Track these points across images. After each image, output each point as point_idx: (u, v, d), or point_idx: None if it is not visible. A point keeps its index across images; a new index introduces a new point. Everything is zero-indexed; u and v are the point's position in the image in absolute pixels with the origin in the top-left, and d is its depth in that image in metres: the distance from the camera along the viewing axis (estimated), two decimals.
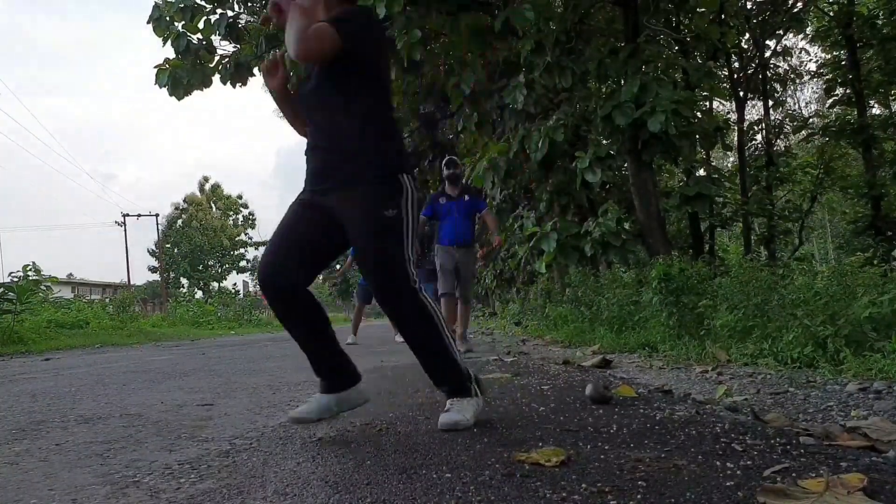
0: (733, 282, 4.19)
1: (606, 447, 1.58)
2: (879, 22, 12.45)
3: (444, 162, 5.88)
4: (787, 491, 1.14)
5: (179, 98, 8.96)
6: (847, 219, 16.92)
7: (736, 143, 13.36)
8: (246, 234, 49.64)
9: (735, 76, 13.40)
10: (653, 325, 4.83)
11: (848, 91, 13.47)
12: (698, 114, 7.82)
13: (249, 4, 10.08)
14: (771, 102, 14.32)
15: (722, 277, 4.62)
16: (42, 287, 10.52)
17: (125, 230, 34.58)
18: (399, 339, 7.80)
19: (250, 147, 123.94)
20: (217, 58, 9.31)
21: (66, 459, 1.69)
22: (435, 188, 11.45)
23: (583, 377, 3.16)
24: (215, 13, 9.09)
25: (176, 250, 46.53)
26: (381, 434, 1.86)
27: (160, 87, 8.84)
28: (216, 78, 9.25)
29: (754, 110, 18.02)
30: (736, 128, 13.33)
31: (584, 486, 1.25)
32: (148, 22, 8.85)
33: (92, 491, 1.37)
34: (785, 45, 14.52)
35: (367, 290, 7.73)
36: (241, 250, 49.24)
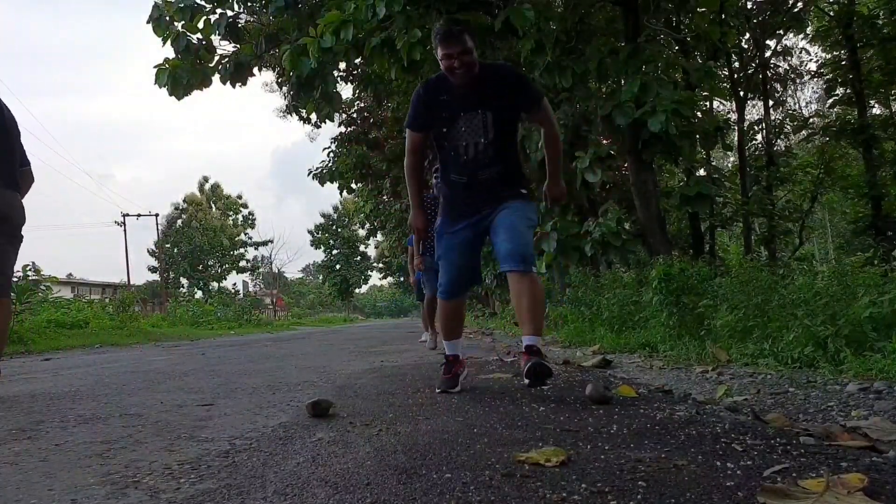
0: (733, 282, 4.19)
1: (606, 447, 1.57)
2: (880, 22, 12.45)
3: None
4: (787, 491, 1.14)
5: (179, 98, 8.96)
6: (847, 219, 16.93)
7: (736, 143, 13.35)
8: (246, 234, 49.65)
9: (735, 76, 13.40)
10: (653, 325, 4.83)
11: (848, 91, 13.48)
12: (698, 114, 7.81)
13: (249, 4, 10.08)
14: (771, 102, 14.33)
15: (722, 277, 4.63)
16: (42, 287, 10.52)
17: (125, 230, 34.57)
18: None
19: (247, 148, 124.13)
20: (217, 57, 9.31)
21: (66, 459, 1.69)
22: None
23: (583, 377, 3.16)
24: (215, 13, 9.09)
25: (176, 250, 46.53)
26: (381, 434, 1.86)
27: (160, 87, 8.83)
28: (216, 78, 9.25)
29: (754, 110, 18.01)
30: (736, 128, 13.32)
31: (584, 486, 1.25)
32: (148, 22, 8.84)
33: (92, 491, 1.37)
34: (785, 45, 14.54)
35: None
36: (241, 250, 49.23)
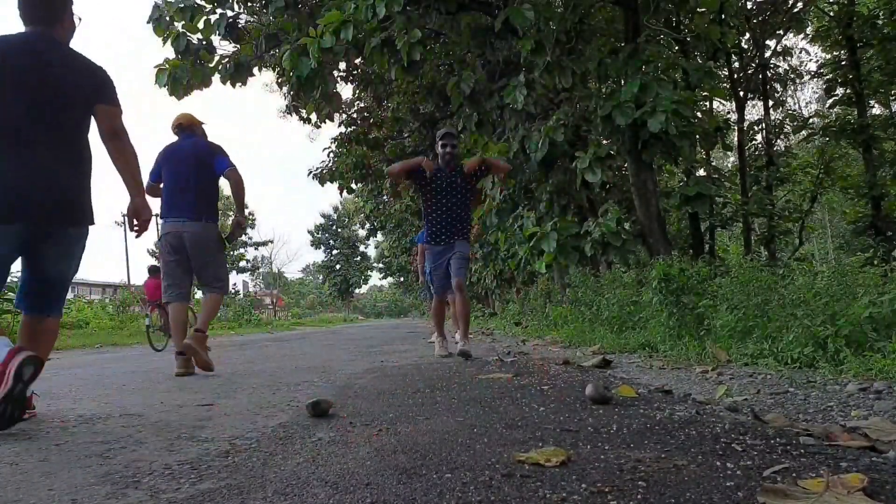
0: (733, 282, 4.19)
1: (606, 447, 1.58)
2: (879, 22, 12.46)
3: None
4: (787, 491, 1.14)
5: (179, 98, 8.96)
6: (847, 219, 16.94)
7: (736, 143, 13.37)
8: (246, 235, 49.67)
9: (735, 76, 13.41)
10: (653, 325, 4.83)
11: (848, 91, 13.49)
12: (698, 114, 7.82)
13: (249, 4, 10.09)
14: (771, 102, 14.34)
15: (722, 277, 4.62)
16: None
17: (125, 230, 34.57)
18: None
19: (247, 148, 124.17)
20: (217, 58, 9.32)
21: (66, 459, 1.69)
22: None
23: (583, 377, 3.16)
24: (215, 13, 9.10)
25: None
26: (381, 434, 1.86)
27: (160, 87, 8.84)
28: (216, 78, 9.26)
29: (754, 110, 18.04)
30: (736, 128, 13.33)
31: (584, 486, 1.25)
32: (148, 22, 8.85)
33: (92, 491, 1.37)
34: (785, 45, 14.55)
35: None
36: (241, 250, 49.23)
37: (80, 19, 2.61)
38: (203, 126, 4.49)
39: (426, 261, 5.06)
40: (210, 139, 4.45)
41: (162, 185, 4.20)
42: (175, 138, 4.35)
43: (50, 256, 2.34)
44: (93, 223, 2.44)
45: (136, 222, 2.59)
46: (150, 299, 8.96)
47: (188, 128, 4.33)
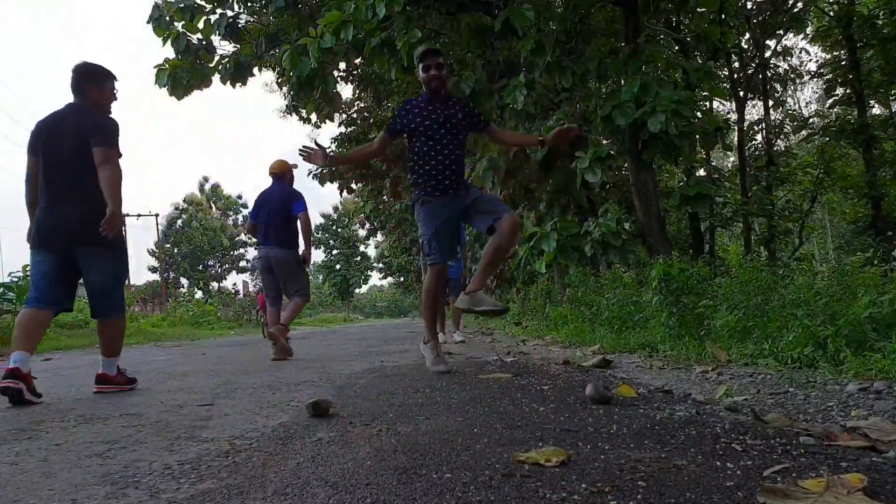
0: (733, 282, 4.19)
1: (606, 447, 1.57)
2: (879, 22, 12.48)
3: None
4: (787, 491, 1.14)
5: (179, 98, 8.96)
6: (847, 219, 16.95)
7: (736, 143, 13.37)
8: (246, 234, 49.63)
9: (735, 76, 13.41)
10: (653, 325, 4.83)
11: (848, 91, 13.51)
12: (698, 114, 7.81)
13: (249, 4, 10.08)
14: (771, 102, 14.35)
15: (722, 277, 4.63)
16: None
17: (125, 230, 34.53)
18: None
19: (247, 148, 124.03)
20: (217, 58, 9.31)
21: (66, 459, 1.69)
22: None
23: (583, 377, 3.16)
24: (215, 13, 9.09)
25: (176, 250, 46.55)
26: (381, 434, 1.86)
27: (160, 87, 8.83)
28: (216, 78, 9.25)
29: (754, 110, 18.04)
30: (736, 128, 13.34)
31: (584, 486, 1.25)
32: (148, 22, 8.84)
33: (92, 491, 1.37)
34: (785, 45, 14.56)
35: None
36: (241, 250, 49.22)
37: (117, 91, 3.44)
38: (293, 169, 5.81)
39: (422, 224, 3.59)
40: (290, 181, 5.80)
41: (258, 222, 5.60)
42: (270, 181, 5.72)
43: (84, 271, 3.25)
44: (104, 244, 3.17)
45: (108, 225, 3.23)
46: (261, 307, 11.59)
47: (280, 175, 5.67)
